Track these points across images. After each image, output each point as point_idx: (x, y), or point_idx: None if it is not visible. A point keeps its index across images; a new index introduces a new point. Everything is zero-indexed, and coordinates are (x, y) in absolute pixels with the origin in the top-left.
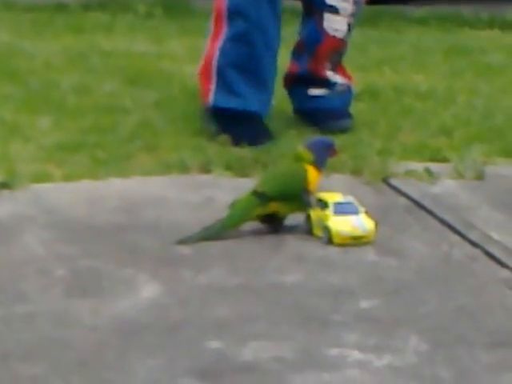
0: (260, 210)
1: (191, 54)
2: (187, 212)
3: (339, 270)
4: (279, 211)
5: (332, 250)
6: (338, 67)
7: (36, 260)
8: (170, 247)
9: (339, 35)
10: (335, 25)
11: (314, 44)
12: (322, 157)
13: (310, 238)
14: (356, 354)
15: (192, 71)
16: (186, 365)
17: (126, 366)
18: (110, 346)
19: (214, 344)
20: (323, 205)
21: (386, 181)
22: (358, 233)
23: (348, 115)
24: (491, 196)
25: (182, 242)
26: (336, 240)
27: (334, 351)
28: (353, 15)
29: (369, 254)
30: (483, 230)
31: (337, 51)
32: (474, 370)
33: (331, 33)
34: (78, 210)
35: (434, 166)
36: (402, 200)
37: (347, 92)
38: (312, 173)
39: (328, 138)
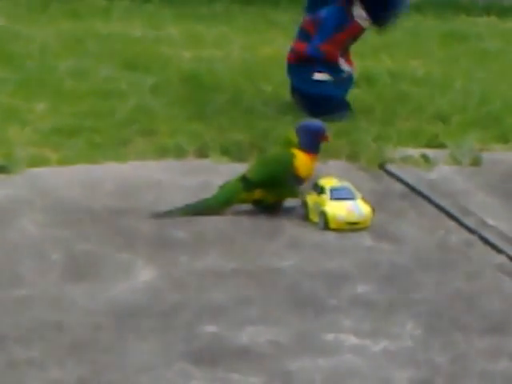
0: (245, 196)
1: (188, 39)
2: (183, 196)
3: (335, 255)
4: (266, 198)
5: (328, 236)
6: (346, 53)
7: (32, 243)
8: (166, 231)
9: (364, 24)
10: (362, 13)
11: (335, 27)
12: (311, 140)
13: (307, 224)
14: (352, 339)
15: (188, 56)
16: (181, 348)
17: (121, 349)
18: (106, 330)
19: (210, 328)
20: (320, 190)
21: (382, 167)
22: (355, 218)
23: (347, 105)
24: (487, 182)
25: (164, 215)
26: (332, 225)
27: (330, 336)
28: None
29: (365, 240)
30: (479, 215)
31: (355, 39)
32: (469, 355)
33: (359, 21)
34: (75, 194)
35: (431, 152)
36: (399, 186)
37: (348, 80)
38: (301, 158)
39: (318, 122)
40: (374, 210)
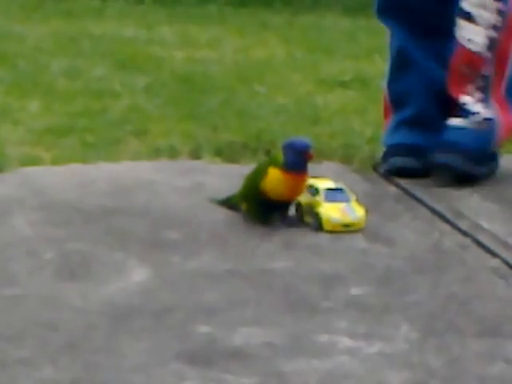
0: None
1: (181, 40)
2: (176, 197)
3: (329, 256)
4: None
5: (322, 237)
6: (489, 96)
7: (25, 242)
8: (159, 232)
9: (475, 48)
10: (468, 34)
11: (451, 55)
12: (295, 159)
13: (301, 225)
14: (346, 341)
15: (181, 56)
16: (174, 349)
17: (114, 349)
18: (99, 330)
19: (204, 329)
20: (314, 191)
21: (376, 169)
22: (349, 220)
23: (481, 162)
24: (481, 185)
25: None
26: (326, 227)
27: (324, 338)
28: (495, 28)
29: (359, 242)
30: (473, 218)
31: (474, 68)
32: (464, 358)
33: (463, 43)
34: (67, 194)
35: None
36: (392, 188)
37: (487, 130)
38: (276, 177)
39: (304, 139)
40: (367, 211)
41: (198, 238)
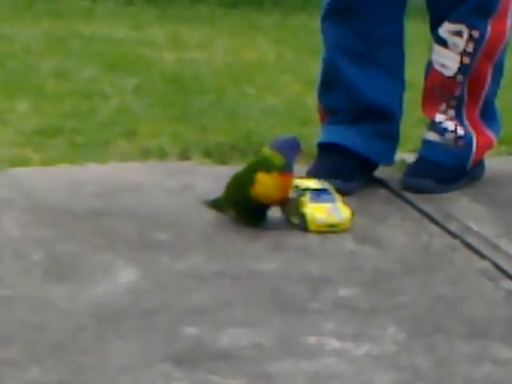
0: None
1: (171, 41)
2: (165, 198)
3: (318, 258)
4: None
5: (311, 239)
6: (462, 116)
7: (13, 244)
8: (147, 233)
9: (447, 73)
10: (442, 59)
11: (425, 75)
12: (291, 158)
13: (289, 227)
14: (334, 343)
15: (171, 58)
16: (162, 351)
17: (101, 350)
18: (87, 331)
19: (191, 330)
20: (300, 191)
21: None
22: (334, 220)
23: (452, 180)
24: (470, 187)
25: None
26: (311, 227)
27: (312, 339)
28: (469, 54)
29: (348, 243)
30: (462, 220)
31: (447, 91)
32: (452, 360)
33: (437, 67)
34: (56, 195)
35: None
36: (381, 190)
37: (463, 148)
38: (268, 182)
39: (291, 136)
40: (353, 212)
41: (187, 239)
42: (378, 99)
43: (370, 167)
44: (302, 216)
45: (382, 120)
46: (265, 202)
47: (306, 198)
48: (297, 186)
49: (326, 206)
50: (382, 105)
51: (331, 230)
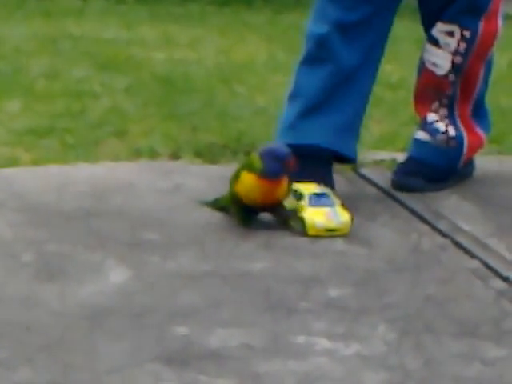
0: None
1: (162, 40)
2: (156, 198)
3: (308, 258)
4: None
5: (301, 239)
6: (454, 115)
7: (3, 244)
8: (138, 233)
9: (439, 72)
10: (434, 58)
11: (417, 74)
12: (272, 167)
13: (279, 227)
14: (323, 342)
15: (162, 57)
16: (152, 350)
17: (91, 350)
18: (76, 331)
19: (181, 330)
20: (298, 196)
21: (355, 170)
22: (333, 225)
23: (442, 179)
24: (460, 185)
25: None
26: (310, 231)
27: (302, 339)
28: (460, 54)
29: (338, 243)
30: (452, 219)
31: (439, 90)
32: (441, 359)
33: (429, 66)
34: (47, 195)
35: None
36: (372, 189)
37: (454, 148)
38: (249, 182)
39: (283, 146)
40: (352, 216)
41: (177, 239)
42: None
43: None
44: (301, 221)
45: None
46: (246, 202)
47: (305, 202)
48: (295, 190)
49: (325, 210)
50: None
51: (330, 234)
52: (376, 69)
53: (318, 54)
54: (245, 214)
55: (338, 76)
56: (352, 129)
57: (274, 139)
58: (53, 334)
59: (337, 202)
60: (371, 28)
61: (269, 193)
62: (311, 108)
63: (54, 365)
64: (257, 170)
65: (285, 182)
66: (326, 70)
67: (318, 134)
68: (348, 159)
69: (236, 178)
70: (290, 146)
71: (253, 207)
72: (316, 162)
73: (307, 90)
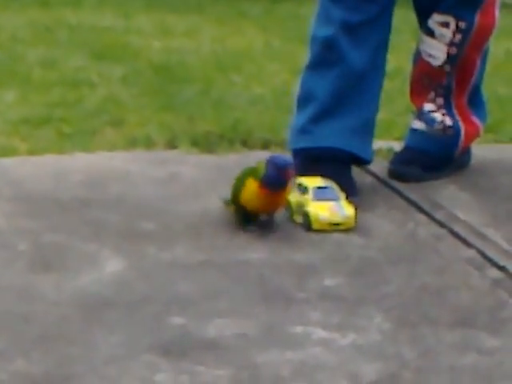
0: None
1: (158, 29)
2: (152, 187)
3: (304, 247)
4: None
5: (297, 228)
6: (451, 104)
7: None
8: (134, 223)
9: (434, 63)
10: (430, 49)
11: (413, 65)
12: (273, 175)
13: (274, 216)
14: (320, 332)
15: (159, 46)
16: (148, 341)
17: (88, 341)
18: (73, 321)
19: (177, 320)
20: (303, 190)
21: None
22: (338, 219)
23: (444, 167)
24: (457, 175)
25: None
26: (315, 225)
27: (298, 329)
28: (455, 45)
29: (334, 232)
30: (449, 209)
31: (435, 80)
32: (438, 349)
33: (425, 57)
34: (43, 184)
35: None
36: (369, 178)
37: (450, 137)
38: (252, 190)
39: (286, 157)
40: (356, 210)
41: (173, 229)
42: None
43: None
44: (306, 215)
45: None
46: (247, 208)
47: (310, 195)
48: (300, 184)
49: (330, 204)
50: None
51: (335, 228)
52: (384, 66)
53: (325, 57)
54: (243, 218)
55: (349, 77)
56: (367, 130)
57: (287, 146)
58: (49, 325)
59: (342, 195)
60: (377, 26)
61: (270, 202)
62: (324, 111)
63: (50, 355)
64: (259, 178)
65: (286, 193)
66: (336, 72)
67: (334, 137)
68: (364, 161)
69: (242, 183)
70: (305, 149)
71: (254, 213)
72: (334, 165)
73: (318, 93)
